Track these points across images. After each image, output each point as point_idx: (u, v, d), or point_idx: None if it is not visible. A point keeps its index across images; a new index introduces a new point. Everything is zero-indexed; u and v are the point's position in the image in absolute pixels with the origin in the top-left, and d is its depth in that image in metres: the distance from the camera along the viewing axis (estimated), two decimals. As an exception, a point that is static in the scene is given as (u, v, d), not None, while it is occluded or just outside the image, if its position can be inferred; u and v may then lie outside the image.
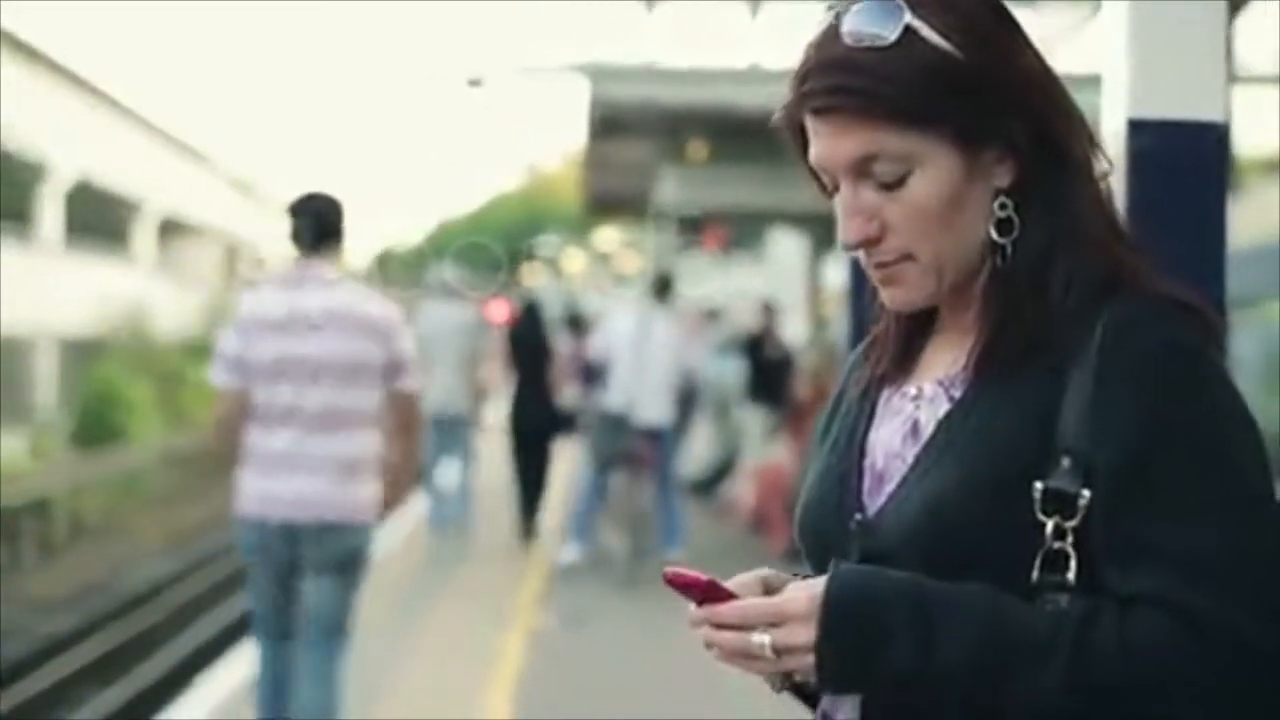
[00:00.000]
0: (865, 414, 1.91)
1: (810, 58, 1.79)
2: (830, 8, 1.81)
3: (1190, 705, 1.62)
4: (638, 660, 9.87)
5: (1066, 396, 1.71)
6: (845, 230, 1.80)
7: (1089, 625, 1.64)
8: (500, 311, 24.42)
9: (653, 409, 12.27)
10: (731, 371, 17.21)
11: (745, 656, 1.71)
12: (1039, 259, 1.78)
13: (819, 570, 1.78)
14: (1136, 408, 1.68)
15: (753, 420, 16.44)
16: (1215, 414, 1.70)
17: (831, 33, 1.78)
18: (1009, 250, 1.79)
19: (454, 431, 13.47)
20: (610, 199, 19.24)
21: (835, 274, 19.57)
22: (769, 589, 1.78)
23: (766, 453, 15.33)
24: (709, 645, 1.74)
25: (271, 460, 6.05)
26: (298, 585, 6.11)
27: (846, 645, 1.67)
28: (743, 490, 15.16)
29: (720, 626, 1.72)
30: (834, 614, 1.67)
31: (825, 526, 1.85)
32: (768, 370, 16.19)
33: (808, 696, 1.87)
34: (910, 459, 1.81)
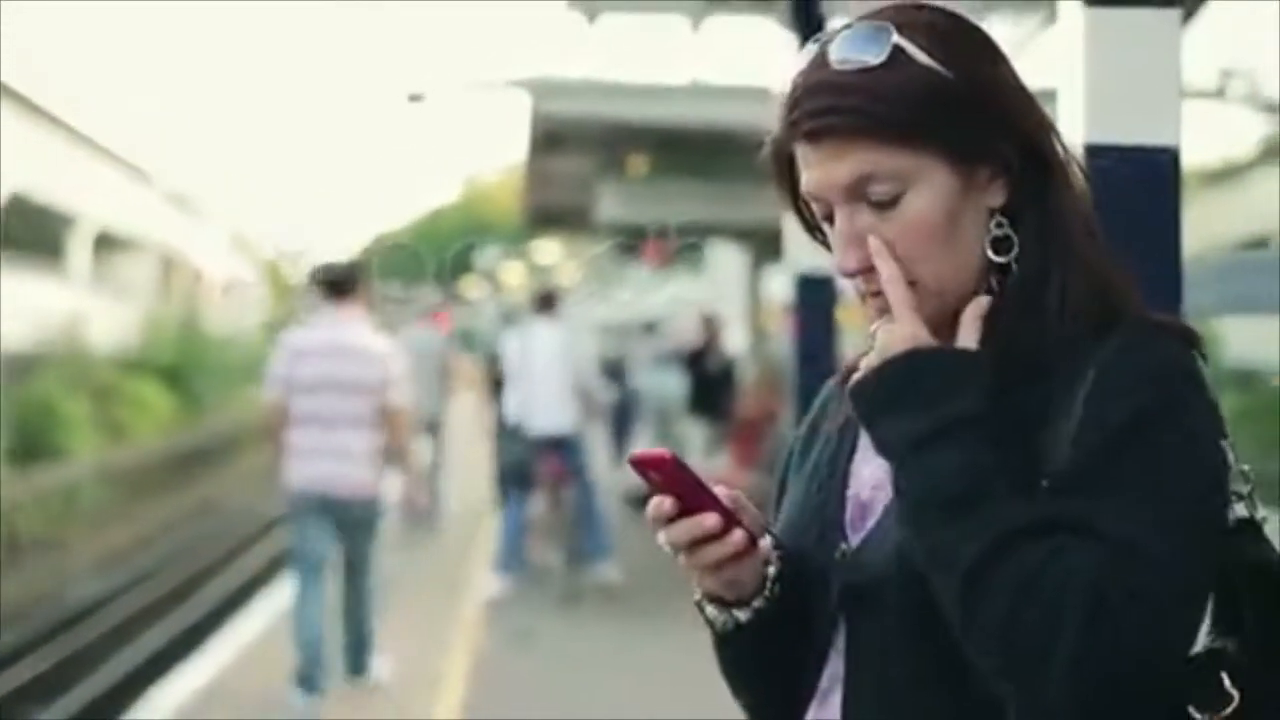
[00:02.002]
0: (847, 444, 1.90)
1: (798, 85, 1.79)
2: (814, 38, 1.82)
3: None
4: (581, 678, 9.84)
5: (1057, 423, 1.70)
6: (844, 258, 1.79)
7: (1038, 537, 1.62)
8: (444, 325, 24.34)
9: (545, 417, 12.24)
10: (672, 384, 17.25)
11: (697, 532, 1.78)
12: (1034, 281, 1.77)
13: (786, 590, 1.82)
14: (1115, 420, 1.66)
15: (694, 433, 16.48)
16: (1185, 430, 1.69)
17: (819, 60, 1.78)
18: (1012, 269, 1.79)
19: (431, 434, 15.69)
20: (551, 213, 19.24)
21: (776, 287, 19.64)
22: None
23: (709, 466, 15.34)
24: (670, 544, 1.80)
25: (306, 451, 8.46)
26: (328, 538, 8.56)
27: (897, 382, 1.73)
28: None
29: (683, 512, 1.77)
30: (909, 356, 1.74)
31: (809, 553, 1.85)
32: (709, 383, 16.21)
33: (744, 649, 1.88)
34: (893, 491, 1.80)
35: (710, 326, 17.02)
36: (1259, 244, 16.55)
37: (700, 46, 11.08)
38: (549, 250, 46.43)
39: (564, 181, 15.17)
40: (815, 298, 5.99)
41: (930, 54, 1.75)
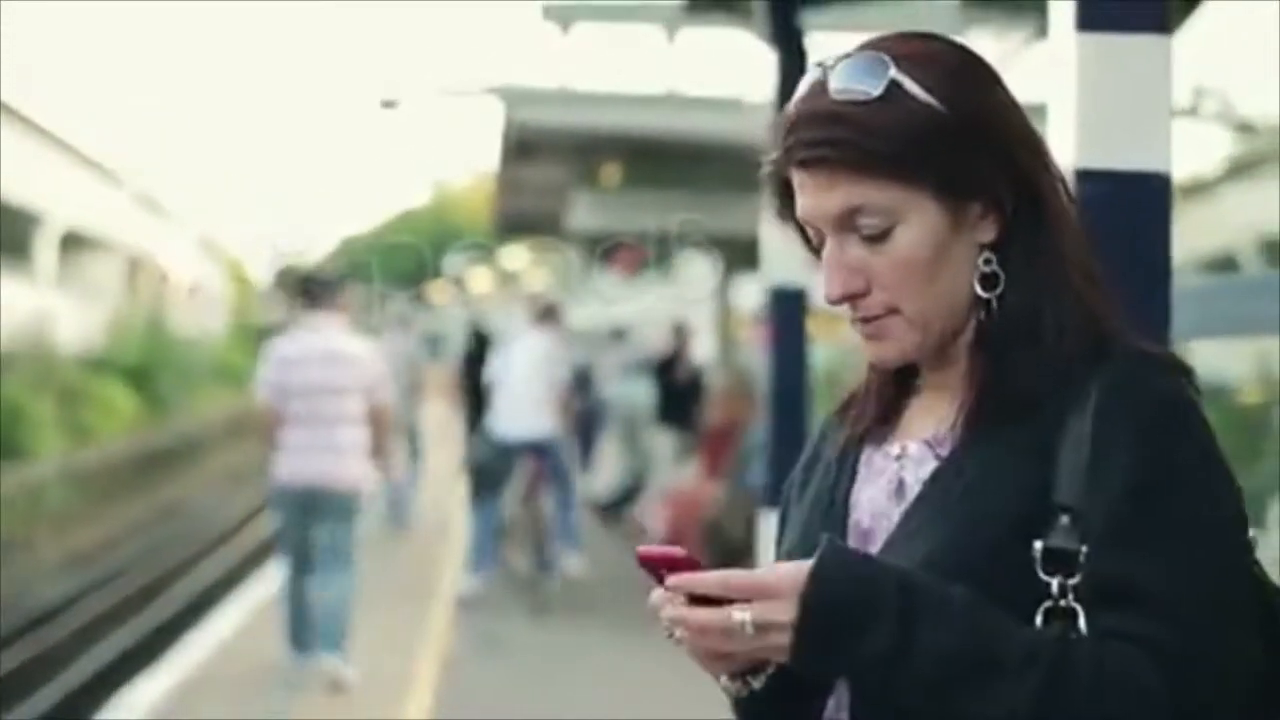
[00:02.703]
0: (847, 473, 1.91)
1: (796, 112, 1.81)
2: (818, 64, 1.83)
3: None
4: (549, 684, 9.83)
5: (1062, 454, 1.72)
6: (830, 284, 1.81)
7: (1069, 648, 1.65)
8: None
9: (521, 422, 12.27)
10: (640, 393, 17.21)
11: (720, 633, 1.67)
12: (1026, 314, 1.79)
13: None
14: (1131, 460, 1.70)
15: (663, 443, 16.45)
16: (1202, 467, 1.73)
17: (818, 88, 1.80)
18: (994, 305, 1.80)
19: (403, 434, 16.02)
20: (522, 220, 19.21)
21: (746, 297, 19.66)
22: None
23: (677, 476, 15.32)
24: (676, 623, 1.70)
25: (300, 449, 9.16)
26: (314, 527, 9.23)
27: (828, 622, 1.64)
28: (653, 514, 15.12)
29: (696, 602, 1.68)
30: (819, 592, 1.65)
31: None
32: (678, 393, 16.20)
33: (762, 712, 1.85)
34: (896, 518, 1.82)
35: (680, 336, 17.01)
36: (1228, 260, 16.65)
37: (675, 57, 11.12)
38: (517, 256, 46.36)
39: (536, 189, 15.17)
40: (788, 309, 6.01)
41: (927, 89, 1.77)
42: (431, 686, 9.77)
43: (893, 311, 1.80)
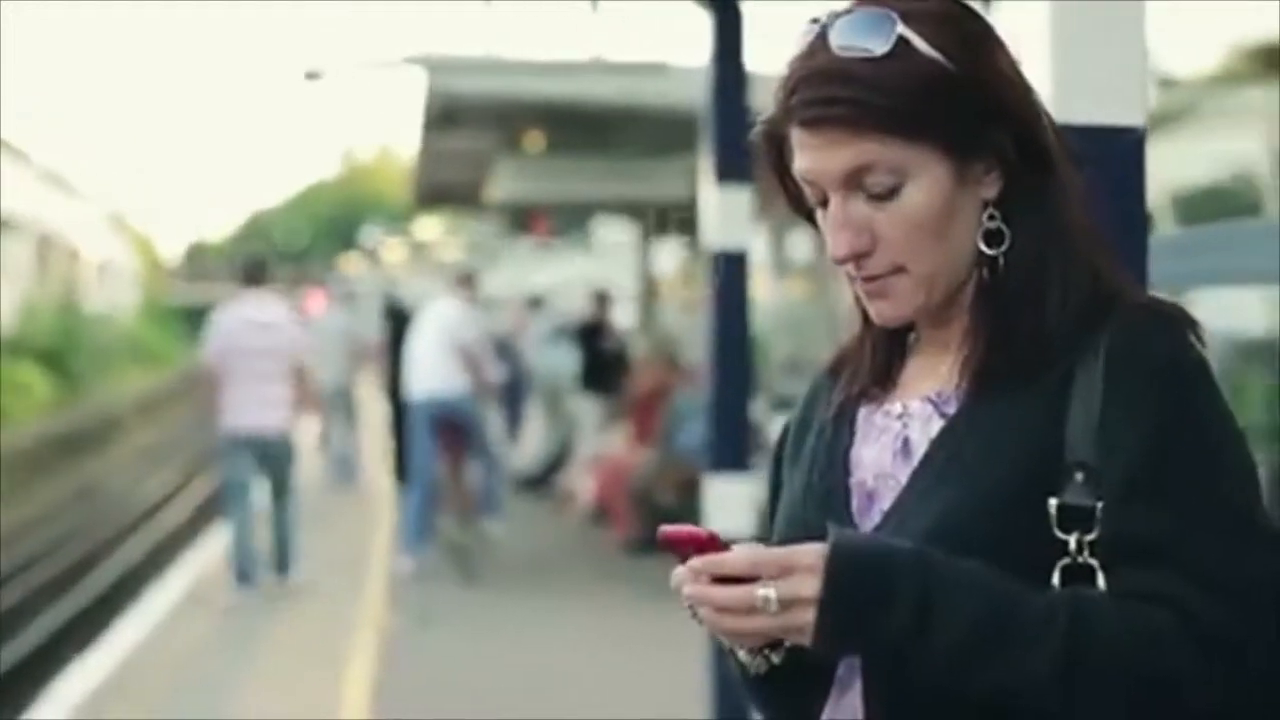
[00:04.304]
0: (844, 432, 1.89)
1: (797, 69, 1.77)
2: (814, 20, 1.79)
3: (1179, 708, 1.63)
4: (487, 655, 9.82)
5: (1072, 410, 1.72)
6: (835, 244, 1.79)
7: (1089, 609, 1.64)
8: (318, 303, 24.15)
9: (429, 383, 12.24)
10: (563, 361, 17.16)
11: (744, 611, 1.65)
12: (1032, 270, 1.78)
13: None
14: (1147, 418, 1.69)
15: (588, 410, 16.42)
16: (1218, 424, 1.73)
17: (819, 44, 1.76)
18: (1000, 262, 1.79)
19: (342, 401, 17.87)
20: (442, 190, 19.11)
21: (665, 263, 19.69)
22: None
23: (603, 443, 15.31)
24: (698, 602, 1.68)
25: (240, 403, 11.07)
26: (254, 469, 11.37)
27: (851, 597, 1.63)
28: (581, 482, 15.12)
29: (720, 580, 1.67)
30: (842, 566, 1.64)
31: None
32: (602, 359, 16.17)
33: (778, 688, 1.84)
34: (904, 478, 1.80)
35: (602, 303, 16.98)
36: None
37: (599, 25, 11.08)
38: (430, 227, 46.21)
39: (458, 159, 15.10)
40: (731, 274, 5.97)
41: (934, 44, 1.75)
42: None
43: (899, 270, 1.79)
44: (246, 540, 11.30)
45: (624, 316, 19.28)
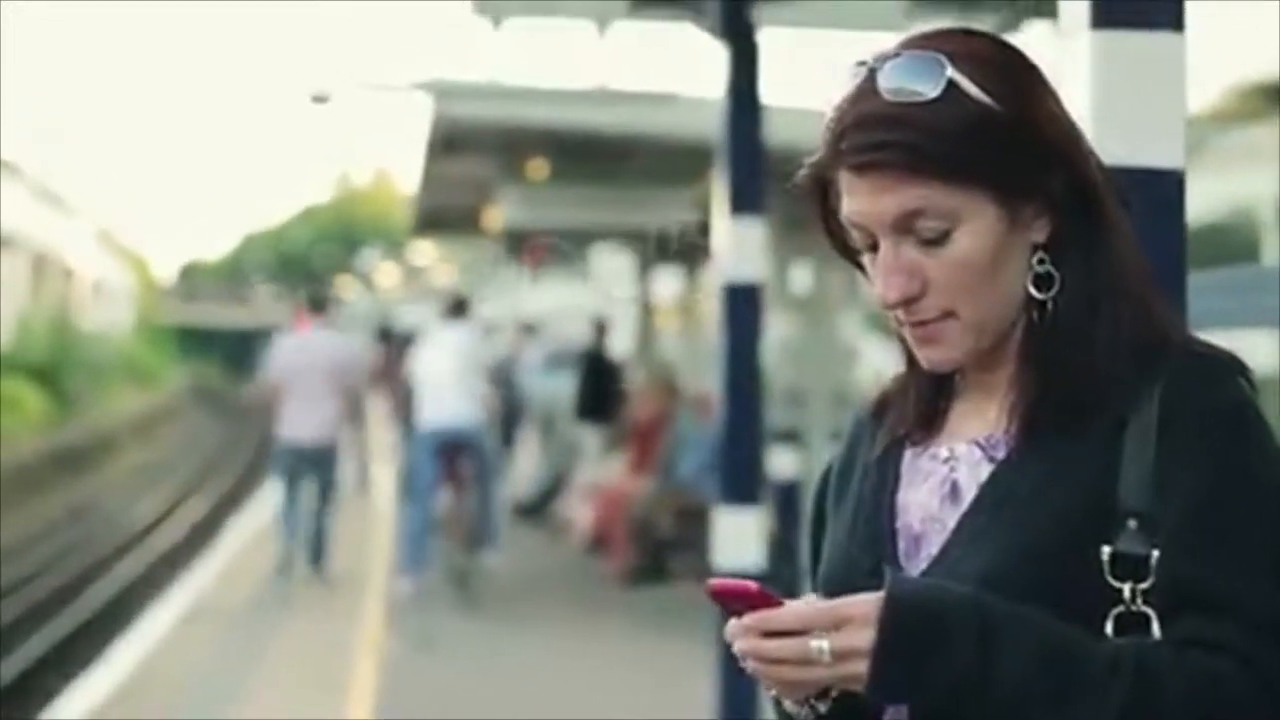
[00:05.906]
0: (890, 475, 1.88)
1: (846, 113, 1.76)
2: (861, 62, 1.79)
3: None
4: (483, 683, 9.80)
5: (1125, 456, 1.71)
6: (886, 289, 1.78)
7: (1152, 659, 1.64)
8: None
9: (447, 414, 12.24)
10: (560, 387, 17.12)
11: (799, 663, 1.64)
12: (1082, 314, 1.77)
13: None
14: (1202, 467, 1.69)
15: (585, 437, 16.38)
16: (1271, 470, 1.72)
17: (868, 87, 1.75)
18: (1049, 306, 1.78)
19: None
20: (443, 216, 19.11)
21: (664, 290, 19.66)
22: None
23: (601, 471, 15.26)
24: (752, 656, 1.67)
25: (295, 415, 12.74)
26: (305, 471, 13.02)
27: (906, 649, 1.62)
28: (579, 510, 15.07)
29: (771, 635, 1.66)
30: (896, 617, 1.63)
31: (860, 587, 1.79)
32: (601, 387, 16.14)
33: None
34: (951, 522, 1.79)
35: (601, 330, 16.98)
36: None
37: (607, 52, 11.09)
38: (425, 252, 46.16)
39: (460, 184, 15.12)
40: (743, 305, 5.97)
41: (983, 87, 1.74)
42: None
43: (949, 315, 1.78)
44: (291, 541, 12.96)
45: (620, 344, 19.26)
